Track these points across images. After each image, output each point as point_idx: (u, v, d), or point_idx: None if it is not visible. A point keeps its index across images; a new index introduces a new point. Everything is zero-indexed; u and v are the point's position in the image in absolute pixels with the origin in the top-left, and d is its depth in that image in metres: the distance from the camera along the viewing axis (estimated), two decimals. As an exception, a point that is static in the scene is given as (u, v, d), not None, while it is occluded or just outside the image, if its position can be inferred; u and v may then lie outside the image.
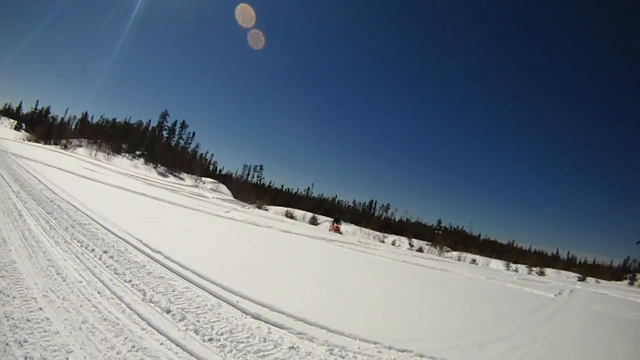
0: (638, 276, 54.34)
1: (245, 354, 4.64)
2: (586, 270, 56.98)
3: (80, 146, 58.92)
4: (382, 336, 6.39)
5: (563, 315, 12.71)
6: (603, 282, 44.55)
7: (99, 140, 61.31)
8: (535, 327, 9.94)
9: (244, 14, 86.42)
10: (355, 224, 59.94)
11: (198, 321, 5.35)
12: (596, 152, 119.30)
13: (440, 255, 41.41)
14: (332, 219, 49.42)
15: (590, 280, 45.43)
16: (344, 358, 5.28)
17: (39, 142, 57.43)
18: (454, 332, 7.83)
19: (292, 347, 5.19)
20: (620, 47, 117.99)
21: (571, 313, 13.57)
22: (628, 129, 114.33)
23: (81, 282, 5.92)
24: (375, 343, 6.04)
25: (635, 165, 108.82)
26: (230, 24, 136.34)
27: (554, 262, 62.69)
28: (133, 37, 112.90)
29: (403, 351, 5.99)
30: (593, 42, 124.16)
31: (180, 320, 5.24)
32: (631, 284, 48.33)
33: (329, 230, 39.52)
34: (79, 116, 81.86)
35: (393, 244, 46.25)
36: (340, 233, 38.43)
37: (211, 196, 41.07)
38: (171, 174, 57.63)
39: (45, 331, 4.18)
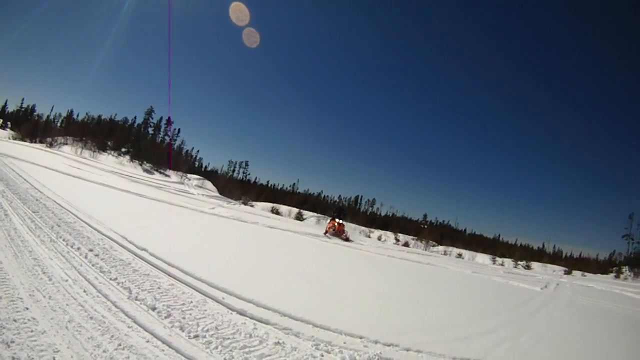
0: (624, 269, 55.03)
1: (231, 350, 4.73)
2: (572, 263, 57.81)
3: (66, 144, 58.64)
4: (368, 330, 6.52)
5: (549, 309, 12.91)
6: (589, 275, 44.98)
7: (84, 138, 60.99)
8: (522, 321, 10.11)
9: (235, 11, 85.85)
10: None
11: (184, 318, 5.46)
12: (582, 146, 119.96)
13: (426, 250, 41.68)
14: (332, 216, 27.67)
15: (576, 273, 45.92)
16: (330, 353, 5.38)
17: (25, 141, 56.95)
18: (440, 326, 7.99)
19: (278, 343, 5.28)
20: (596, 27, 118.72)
21: (557, 306, 13.79)
22: (615, 123, 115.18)
23: (67, 280, 6.03)
24: (361, 337, 6.16)
25: (621, 159, 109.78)
26: (219, 20, 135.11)
27: (540, 255, 63.55)
28: (120, 33, 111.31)
29: (389, 345, 6.13)
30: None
31: (166, 317, 5.35)
32: (617, 277, 48.89)
33: (326, 231, 24.31)
34: (64, 114, 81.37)
35: (379, 238, 46.59)
36: (346, 237, 24.36)
37: (197, 193, 41.04)
38: (157, 170, 57.46)
39: (32, 331, 4.26)
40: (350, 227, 30.06)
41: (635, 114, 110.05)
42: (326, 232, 24.49)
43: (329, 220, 27.19)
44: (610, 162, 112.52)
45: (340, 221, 25.08)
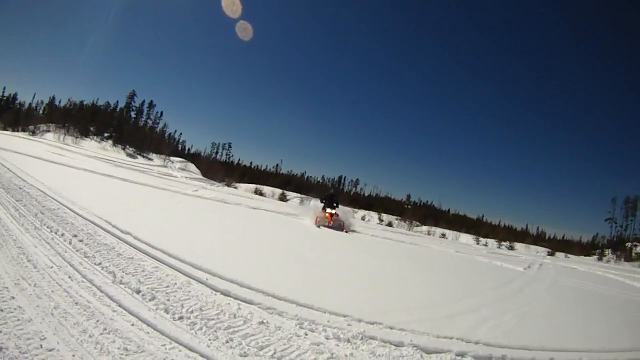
0: (607, 252, 55.97)
1: (215, 331, 4.83)
2: (555, 245, 58.82)
3: (49, 131, 58.46)
4: (352, 309, 6.63)
5: (532, 288, 13.13)
6: (572, 257, 46.02)
7: (66, 124, 60.62)
8: (505, 300, 10.29)
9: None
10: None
11: (168, 300, 5.56)
12: (567, 130, 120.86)
13: (409, 230, 42.06)
14: (322, 201, 22.11)
15: (560, 255, 46.97)
16: (313, 331, 5.50)
17: (7, 130, 56.51)
18: (424, 305, 8.15)
19: (262, 322, 5.40)
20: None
21: (540, 286, 14.01)
22: (600, 108, 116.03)
23: (52, 267, 6.09)
24: (345, 316, 6.29)
25: (605, 143, 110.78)
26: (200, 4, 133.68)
27: (524, 237, 64.68)
28: (103, 18, 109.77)
29: (373, 323, 6.26)
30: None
31: (150, 300, 5.44)
32: (600, 259, 50.06)
33: (317, 221, 19.54)
34: (46, 101, 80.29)
35: (362, 218, 46.93)
36: (344, 228, 19.92)
37: (180, 175, 41.39)
38: (140, 154, 57.40)
39: (18, 320, 4.33)
40: (342, 211, 27.44)
41: (620, 99, 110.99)
42: (318, 221, 19.39)
43: (322, 210, 20.51)
44: (594, 147, 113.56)
45: (333, 211, 19.97)
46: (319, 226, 19.09)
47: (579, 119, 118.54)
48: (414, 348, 5.75)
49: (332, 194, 21.23)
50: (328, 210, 20.12)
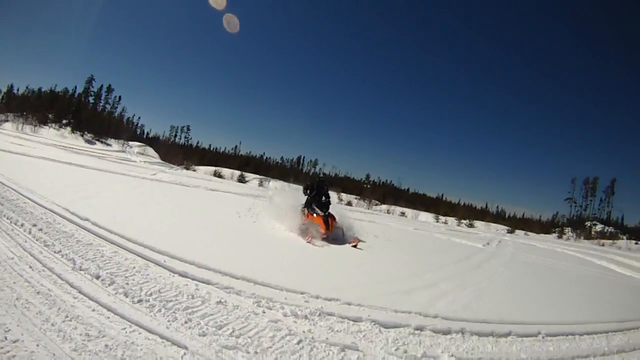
0: (566, 230, 57.74)
1: (174, 312, 5.02)
2: (515, 223, 60.32)
3: (7, 121, 56.94)
4: (310, 286, 6.90)
5: (491, 264, 13.59)
6: (532, 234, 47.21)
7: (25, 113, 59.27)
8: (464, 275, 10.65)
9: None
10: (283, 180, 60.86)
11: (127, 284, 5.73)
12: (526, 111, 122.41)
13: (368, 208, 42.40)
14: (306, 192, 13.92)
15: (520, 232, 48.14)
16: (271, 309, 5.74)
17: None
18: (382, 280, 8.47)
19: (220, 302, 5.62)
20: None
21: (499, 262, 14.51)
22: (561, 88, 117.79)
23: (12, 258, 6.16)
24: (302, 293, 6.56)
25: (565, 124, 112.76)
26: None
27: (483, 215, 66.08)
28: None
29: (330, 300, 6.53)
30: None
31: (109, 285, 5.59)
32: (559, 237, 51.72)
33: (310, 236, 11.75)
34: (4, 89, 77.96)
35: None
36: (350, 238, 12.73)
37: (138, 160, 41.32)
38: (98, 140, 56.73)
39: (-19, 315, 4.41)
40: (278, 185, 26.34)
41: (582, 79, 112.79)
42: (309, 239, 11.59)
43: (303, 211, 13.50)
44: (554, 128, 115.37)
45: (323, 213, 12.68)
46: (310, 241, 11.41)
47: (539, 100, 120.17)
48: (372, 323, 5.94)
49: (322, 182, 13.60)
50: (318, 211, 12.73)
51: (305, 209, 13.43)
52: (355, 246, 11.84)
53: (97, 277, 5.79)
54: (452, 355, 5.37)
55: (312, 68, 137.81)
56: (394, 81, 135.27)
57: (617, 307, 10.51)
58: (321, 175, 16.51)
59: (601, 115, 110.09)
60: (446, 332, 6.18)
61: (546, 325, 7.40)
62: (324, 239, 11.98)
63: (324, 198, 13.52)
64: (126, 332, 4.40)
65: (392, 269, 9.93)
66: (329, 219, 12.53)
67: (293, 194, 15.91)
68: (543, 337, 6.86)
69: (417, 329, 6.06)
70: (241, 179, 50.41)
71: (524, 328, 7.08)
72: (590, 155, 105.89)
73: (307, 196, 13.80)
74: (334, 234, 12.59)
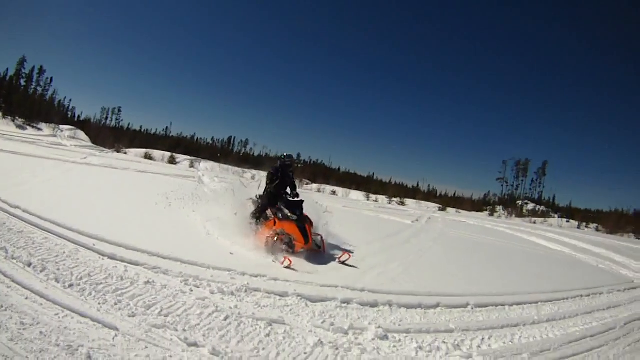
0: (498, 208, 60.25)
1: (104, 295, 5.23)
2: (447, 201, 61.70)
3: None
4: (236, 264, 7.32)
5: (420, 239, 14.27)
6: (463, 212, 49.02)
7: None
8: (392, 250, 11.18)
9: None
10: (214, 161, 60.91)
11: (58, 269, 5.89)
12: (459, 92, 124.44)
13: (299, 188, 42.89)
14: (271, 180, 10.13)
15: (451, 210, 49.70)
16: (198, 287, 6.07)
17: None
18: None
19: (148, 282, 5.88)
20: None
21: (428, 237, 15.23)
22: (494, 69, 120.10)
23: (-57, 254, 6.16)
24: (229, 270, 6.97)
25: (499, 105, 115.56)
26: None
27: (415, 193, 67.20)
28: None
29: (256, 276, 6.98)
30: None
31: (41, 272, 5.72)
32: (491, 215, 54.11)
33: (272, 240, 8.98)
34: None
35: (252, 178, 47.57)
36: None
37: (69, 144, 40.29)
38: (30, 125, 54.54)
39: None
40: (209, 165, 26.35)
41: (513, 59, 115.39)
42: (287, 261, 8.13)
43: (257, 207, 10.37)
44: (488, 108, 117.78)
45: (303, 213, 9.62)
46: (290, 265, 8.01)
47: (472, 82, 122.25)
48: (299, 297, 6.30)
49: (286, 167, 10.28)
50: (287, 214, 9.36)
51: (269, 209, 9.81)
52: (344, 262, 8.90)
53: (29, 265, 5.88)
54: (379, 327, 5.60)
55: (245, 46, 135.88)
56: (320, 57, 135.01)
57: (547, 279, 11.28)
58: (285, 158, 10.29)
59: (532, 99, 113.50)
60: (373, 305, 6.51)
61: (475, 297, 7.85)
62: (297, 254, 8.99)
63: (288, 190, 10.28)
64: (59, 318, 4.51)
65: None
66: (306, 226, 9.11)
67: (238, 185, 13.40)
68: (472, 308, 7.31)
69: (343, 303, 6.38)
70: (172, 161, 50.45)
71: (452, 300, 7.47)
72: (522, 138, 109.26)
73: (268, 188, 10.05)
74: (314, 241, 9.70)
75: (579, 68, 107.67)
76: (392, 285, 7.59)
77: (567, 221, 51.11)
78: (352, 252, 9.64)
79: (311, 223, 9.55)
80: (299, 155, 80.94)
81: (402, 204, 49.09)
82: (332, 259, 9.20)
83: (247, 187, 13.04)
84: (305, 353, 4.65)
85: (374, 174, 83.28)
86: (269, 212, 9.93)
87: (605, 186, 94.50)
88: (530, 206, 63.77)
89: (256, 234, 9.51)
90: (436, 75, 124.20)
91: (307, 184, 50.45)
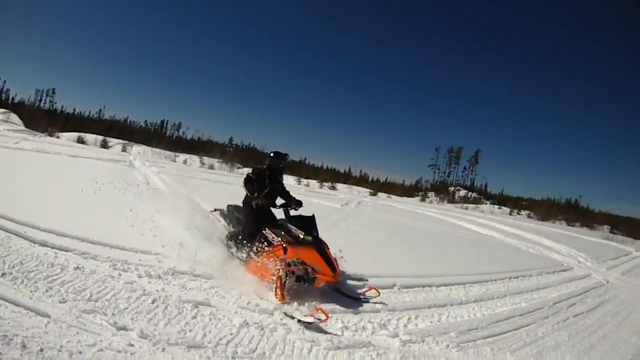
0: (429, 194, 62.25)
1: (35, 282, 5.35)
2: (379, 186, 63.19)
3: None
4: (163, 248, 7.62)
5: (348, 222, 14.87)
6: (395, 197, 50.61)
7: None
8: (320, 233, 11.67)
9: None
10: (146, 145, 60.02)
11: (-11, 260, 5.98)
12: (391, 78, 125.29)
13: (231, 172, 43.04)
14: (251, 182, 7.84)
15: (382, 195, 51.21)
16: (126, 271, 6.36)
17: None
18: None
19: (78, 268, 6.09)
20: None
21: (356, 221, 15.88)
22: (429, 57, 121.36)
23: None
24: (156, 254, 7.32)
25: (432, 93, 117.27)
26: None
27: (346, 178, 68.60)
28: None
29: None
30: None
31: None
32: (423, 200, 55.82)
33: (269, 274, 6.67)
34: None
35: (184, 162, 47.68)
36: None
37: (2, 128, 38.52)
38: (-38, 113, 51.97)
39: None
40: (141, 149, 26.32)
41: (449, 47, 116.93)
42: (317, 315, 5.72)
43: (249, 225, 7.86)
44: (420, 97, 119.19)
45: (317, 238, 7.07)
46: (316, 319, 5.57)
47: (406, 70, 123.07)
48: (225, 280, 6.72)
49: (279, 169, 8.21)
50: (298, 233, 7.06)
51: (266, 229, 7.38)
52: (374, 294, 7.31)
53: (-39, 257, 5.92)
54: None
55: (170, 28, 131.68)
56: (245, 39, 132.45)
57: (476, 262, 12.16)
58: (278, 157, 8.04)
59: (466, 87, 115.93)
60: (300, 286, 6.94)
61: (402, 278, 8.40)
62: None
63: (277, 200, 8.18)
64: (-7, 308, 4.57)
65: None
66: (327, 251, 6.90)
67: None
68: (399, 289, 7.92)
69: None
70: (104, 145, 49.97)
71: (378, 281, 7.92)
72: (455, 126, 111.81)
73: (255, 199, 7.66)
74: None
75: (513, 58, 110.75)
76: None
77: (499, 208, 54.06)
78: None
79: (326, 244, 7.07)
80: (231, 139, 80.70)
81: (333, 188, 50.31)
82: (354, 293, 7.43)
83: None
84: (231, 334, 4.92)
85: (305, 158, 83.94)
86: (267, 233, 7.28)
87: (538, 175, 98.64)
88: (462, 193, 66.58)
89: (247, 266, 7.29)
90: (370, 61, 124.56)
91: (238, 167, 50.49)
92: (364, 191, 51.93)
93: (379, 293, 7.27)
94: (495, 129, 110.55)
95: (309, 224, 7.18)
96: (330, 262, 6.61)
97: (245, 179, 7.82)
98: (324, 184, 52.44)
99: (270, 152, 8.05)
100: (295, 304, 6.23)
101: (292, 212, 7.72)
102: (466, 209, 46.48)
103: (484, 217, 29.16)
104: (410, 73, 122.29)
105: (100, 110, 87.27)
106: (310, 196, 24.53)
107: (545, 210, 49.12)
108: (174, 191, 15.34)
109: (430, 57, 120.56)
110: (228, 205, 8.76)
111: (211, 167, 47.74)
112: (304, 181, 51.92)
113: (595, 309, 9.62)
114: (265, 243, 7.10)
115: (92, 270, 6.09)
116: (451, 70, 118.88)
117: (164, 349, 4.32)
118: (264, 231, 7.35)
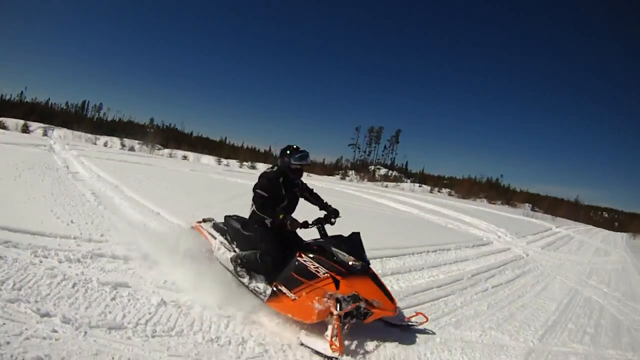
0: (350, 173, 63.21)
1: None
2: None
3: None
4: (82, 231, 7.97)
5: None
6: (315, 175, 51.18)
7: None
8: (235, 210, 12.02)
9: None
10: (67, 128, 58.27)
11: None
12: (311, 56, 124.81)
13: (151, 153, 42.74)
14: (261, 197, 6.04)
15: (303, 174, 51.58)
16: (47, 257, 6.45)
17: None
18: (152, 217, 9.82)
19: (0, 257, 6.07)
20: None
21: None
22: (350, 42, 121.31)
23: None
24: (75, 238, 7.56)
25: (352, 73, 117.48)
26: None
27: (266, 157, 69.26)
28: None
29: (101, 242, 7.66)
30: None
31: None
32: (342, 179, 56.78)
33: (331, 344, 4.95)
34: None
35: (105, 145, 46.98)
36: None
37: None
38: None
39: None
40: (62, 133, 26.01)
41: (372, 28, 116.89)
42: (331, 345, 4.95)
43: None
44: (340, 77, 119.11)
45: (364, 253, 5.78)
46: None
47: (327, 51, 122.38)
48: (143, 260, 6.98)
49: (298, 171, 6.33)
50: (345, 258, 5.49)
51: (302, 256, 5.71)
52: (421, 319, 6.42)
53: None
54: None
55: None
56: (171, 23, 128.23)
57: (393, 236, 12.74)
58: (296, 156, 6.11)
59: (385, 66, 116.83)
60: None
61: None
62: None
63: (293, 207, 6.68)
64: None
65: (166, 207, 10.88)
66: (379, 279, 5.78)
67: None
68: None
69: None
70: (25, 129, 49.06)
71: None
72: (376, 106, 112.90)
73: (272, 212, 5.98)
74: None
75: (435, 36, 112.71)
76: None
77: (420, 186, 55.83)
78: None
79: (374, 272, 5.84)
80: (151, 120, 79.36)
81: (254, 167, 50.55)
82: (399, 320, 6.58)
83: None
84: (149, 313, 5.14)
85: (226, 138, 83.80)
86: (305, 260, 5.62)
87: (459, 156, 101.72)
88: (383, 171, 68.29)
89: (274, 303, 5.67)
90: (289, 39, 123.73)
91: (159, 148, 49.94)
92: (284, 169, 52.31)
93: (427, 319, 6.36)
94: (416, 109, 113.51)
95: (356, 245, 5.81)
96: (388, 293, 5.50)
97: (255, 199, 6.09)
98: (244, 163, 53.27)
99: (286, 149, 6.19)
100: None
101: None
102: (386, 187, 48.19)
103: (404, 195, 30.23)
104: (330, 51, 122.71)
105: (22, 92, 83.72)
106: (228, 175, 25.00)
107: (466, 188, 51.56)
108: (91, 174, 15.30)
109: (349, 35, 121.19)
110: (226, 217, 7.22)
111: (131, 149, 47.22)
112: (224, 161, 52.56)
113: (515, 280, 10.53)
114: (305, 274, 5.50)
115: (14, 259, 6.07)
116: (370, 48, 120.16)
117: (85, 333, 4.50)
118: (299, 258, 5.67)
